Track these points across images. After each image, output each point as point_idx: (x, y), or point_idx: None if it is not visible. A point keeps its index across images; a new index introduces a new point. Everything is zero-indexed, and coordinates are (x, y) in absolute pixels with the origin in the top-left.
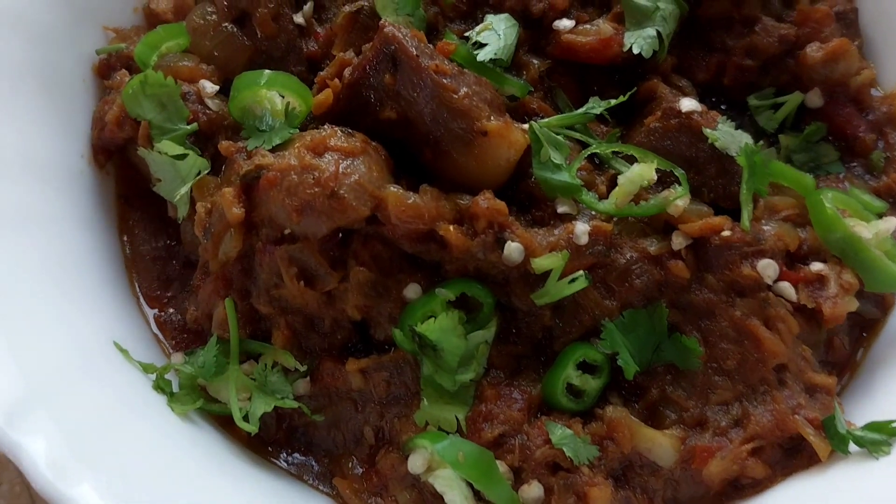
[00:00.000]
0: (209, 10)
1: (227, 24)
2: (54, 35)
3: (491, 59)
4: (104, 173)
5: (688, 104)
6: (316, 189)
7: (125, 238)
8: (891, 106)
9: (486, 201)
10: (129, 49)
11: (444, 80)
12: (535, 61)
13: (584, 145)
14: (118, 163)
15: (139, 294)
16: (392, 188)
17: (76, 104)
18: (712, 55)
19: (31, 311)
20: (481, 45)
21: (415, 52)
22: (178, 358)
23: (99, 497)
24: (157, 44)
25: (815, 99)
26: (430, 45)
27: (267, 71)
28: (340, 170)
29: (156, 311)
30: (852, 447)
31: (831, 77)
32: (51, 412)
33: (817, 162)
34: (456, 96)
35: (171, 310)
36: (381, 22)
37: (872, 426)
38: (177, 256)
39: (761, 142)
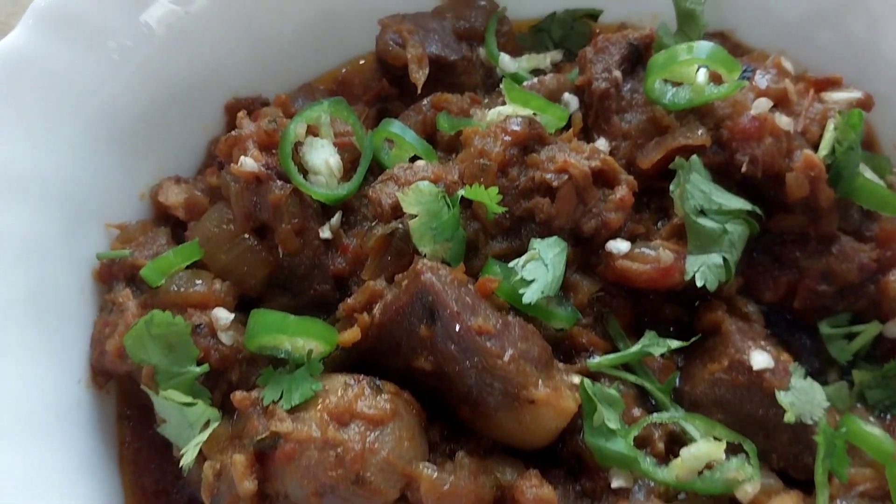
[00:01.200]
0: (226, 215)
1: (245, 234)
2: (46, 245)
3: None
4: (104, 393)
5: (759, 360)
6: (339, 471)
7: (126, 469)
8: None
9: (532, 489)
10: (134, 256)
11: (488, 344)
12: (586, 283)
13: (639, 388)
14: (119, 378)
15: None
16: (425, 469)
17: (73, 321)
18: (782, 273)
19: None
20: (526, 282)
21: (455, 308)
22: None
23: None
24: (167, 270)
25: (895, 329)
26: (471, 289)
27: (290, 317)
28: (367, 445)
29: None
30: None
31: None
32: None
33: (894, 400)
34: (501, 361)
35: None
36: (419, 266)
37: None
38: (182, 491)
39: (835, 384)
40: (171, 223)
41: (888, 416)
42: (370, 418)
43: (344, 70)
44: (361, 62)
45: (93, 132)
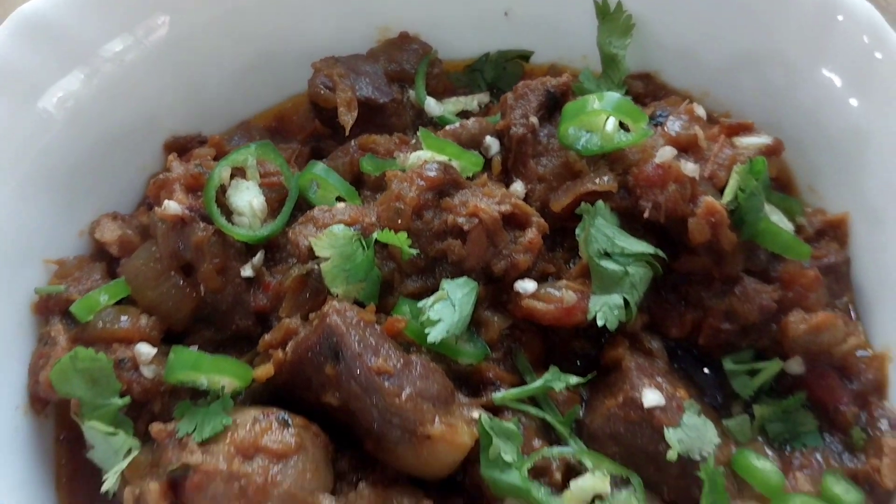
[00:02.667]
0: (154, 254)
1: (171, 272)
2: None
3: None
4: (42, 417)
5: (651, 398)
6: (242, 502)
7: (62, 490)
8: (877, 371)
9: None
10: (69, 291)
11: (386, 384)
12: (497, 320)
13: (543, 421)
14: (57, 403)
15: None
16: (325, 500)
17: (12, 352)
18: (688, 311)
19: None
20: (432, 322)
21: (357, 349)
22: None
23: None
24: (94, 308)
25: (795, 367)
26: (377, 329)
27: (206, 357)
28: (269, 478)
29: None
30: None
31: (814, 347)
32: None
33: (794, 432)
34: (398, 400)
35: None
36: (325, 308)
37: None
38: None
39: (738, 416)
40: (107, 258)
41: (787, 449)
42: (274, 452)
43: (288, 104)
44: (289, 105)
45: (34, 180)
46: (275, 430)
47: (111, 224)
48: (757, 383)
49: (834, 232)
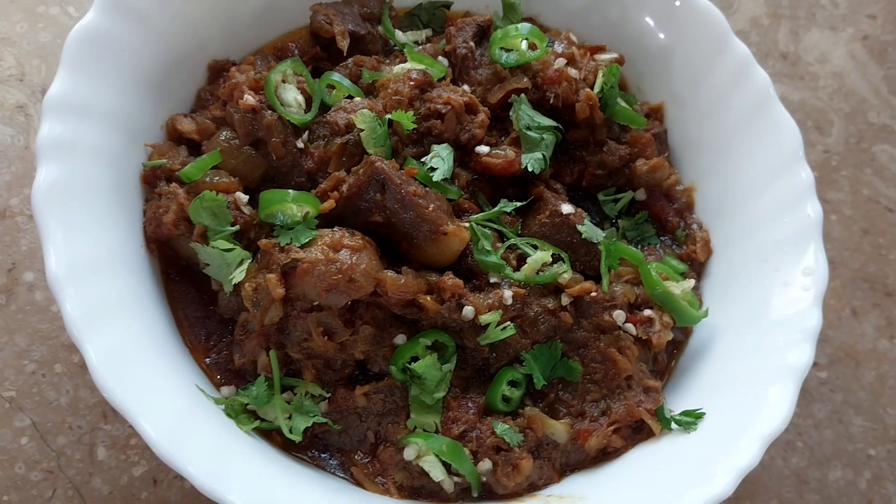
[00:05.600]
0: (231, 135)
1: (246, 147)
2: (119, 157)
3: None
4: (152, 256)
5: (566, 208)
6: (339, 276)
7: (173, 303)
8: (688, 197)
9: (450, 280)
10: (170, 164)
11: (419, 200)
12: (464, 173)
13: (498, 231)
14: (161, 247)
15: (189, 346)
16: (387, 273)
17: (133, 207)
18: (575, 165)
19: (149, 371)
20: (433, 169)
21: (398, 181)
22: (226, 391)
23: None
24: (204, 168)
25: (640, 195)
26: (403, 171)
27: (289, 192)
28: (353, 261)
29: (206, 359)
30: (674, 426)
31: (651, 182)
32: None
33: (642, 237)
34: (427, 210)
35: (214, 355)
36: (371, 158)
37: (685, 413)
38: (212, 316)
39: (609, 229)
40: (184, 143)
41: (640, 247)
42: (353, 247)
43: (286, 38)
44: (286, 38)
45: (134, 82)
46: (347, 236)
47: (185, 120)
48: (619, 207)
49: (656, 114)
